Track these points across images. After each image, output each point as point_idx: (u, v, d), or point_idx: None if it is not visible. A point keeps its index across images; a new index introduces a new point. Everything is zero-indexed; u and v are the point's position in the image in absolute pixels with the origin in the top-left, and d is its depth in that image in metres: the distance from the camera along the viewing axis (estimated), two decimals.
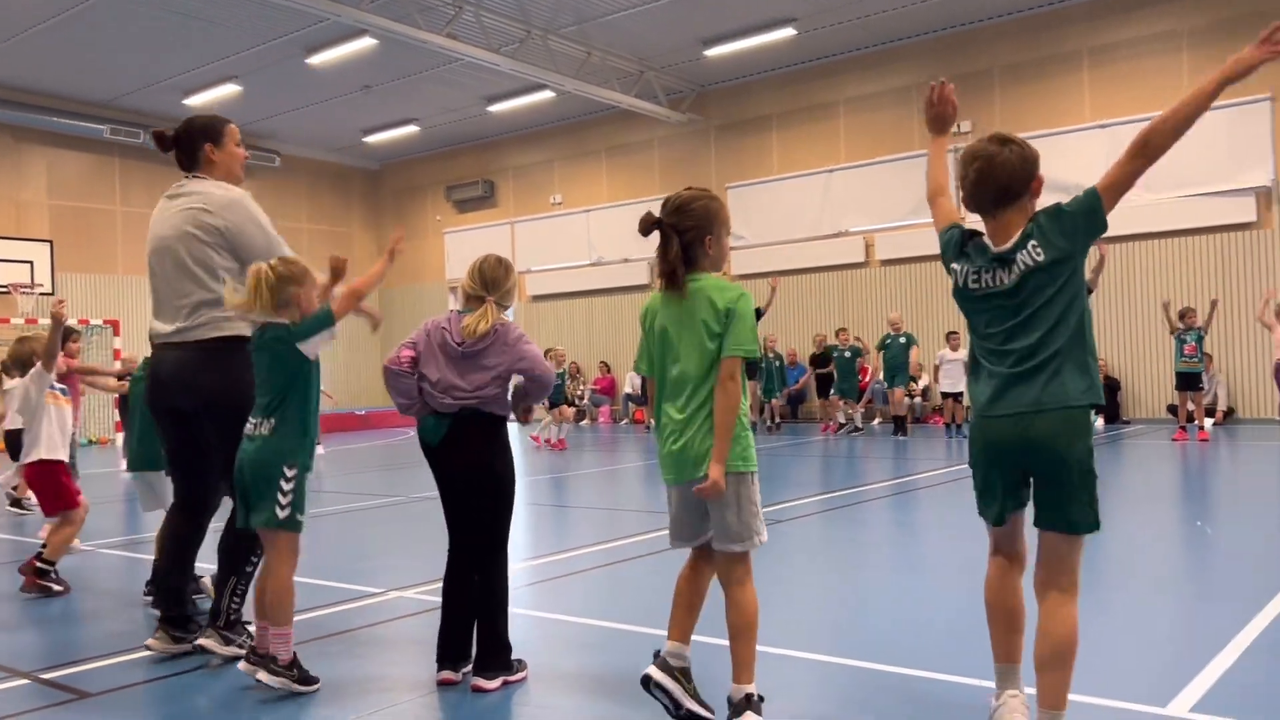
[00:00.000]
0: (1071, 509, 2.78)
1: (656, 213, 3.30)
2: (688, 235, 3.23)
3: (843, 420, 15.98)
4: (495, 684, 3.68)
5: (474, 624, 3.80)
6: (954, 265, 3.00)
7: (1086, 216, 2.78)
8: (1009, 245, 2.84)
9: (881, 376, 16.16)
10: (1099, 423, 13.53)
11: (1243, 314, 14.90)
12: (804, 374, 18.37)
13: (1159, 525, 7.11)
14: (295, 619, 3.76)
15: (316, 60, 17.88)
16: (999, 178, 2.81)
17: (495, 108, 21.20)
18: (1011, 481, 2.90)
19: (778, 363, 17.27)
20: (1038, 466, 2.82)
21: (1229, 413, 15.12)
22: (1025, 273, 2.80)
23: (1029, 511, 2.92)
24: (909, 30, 17.68)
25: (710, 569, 3.34)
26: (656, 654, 3.33)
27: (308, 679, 3.69)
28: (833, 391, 16.32)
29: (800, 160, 19.43)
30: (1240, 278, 15.11)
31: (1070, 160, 15.68)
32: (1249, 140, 14.89)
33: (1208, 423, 13.26)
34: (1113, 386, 15.62)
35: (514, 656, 3.81)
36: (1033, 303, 2.80)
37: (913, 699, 3.48)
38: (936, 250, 3.10)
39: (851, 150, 18.79)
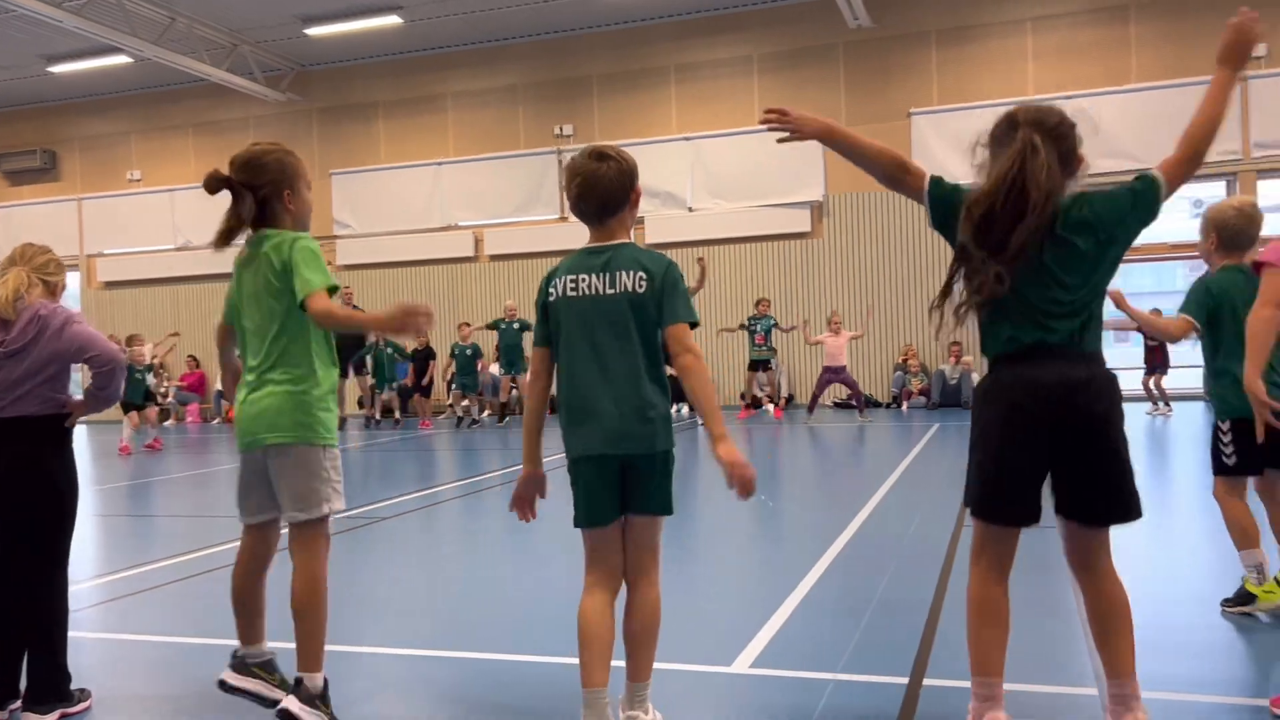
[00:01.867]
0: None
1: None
2: (263, 192, 3.09)
3: (460, 414, 16.06)
4: (51, 718, 3.29)
5: (24, 655, 3.36)
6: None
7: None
8: None
9: (497, 367, 16.36)
10: (683, 410, 14.80)
11: (801, 311, 16.95)
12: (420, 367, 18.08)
13: (727, 501, 7.91)
14: None
15: None
16: (600, 193, 2.92)
17: (58, 69, 18.70)
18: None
19: (396, 356, 16.86)
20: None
21: (788, 399, 17.19)
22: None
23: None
24: (514, 31, 18.08)
25: (268, 550, 3.23)
26: (233, 655, 3.21)
27: None
28: (453, 386, 16.34)
29: (409, 151, 19.16)
30: (797, 279, 17.25)
31: (659, 169, 16.98)
32: (806, 159, 16.93)
33: (770, 407, 15.14)
34: None
35: (75, 686, 3.43)
36: None
37: (510, 683, 3.59)
38: (541, 248, 3.20)
39: (460, 145, 18.87)
